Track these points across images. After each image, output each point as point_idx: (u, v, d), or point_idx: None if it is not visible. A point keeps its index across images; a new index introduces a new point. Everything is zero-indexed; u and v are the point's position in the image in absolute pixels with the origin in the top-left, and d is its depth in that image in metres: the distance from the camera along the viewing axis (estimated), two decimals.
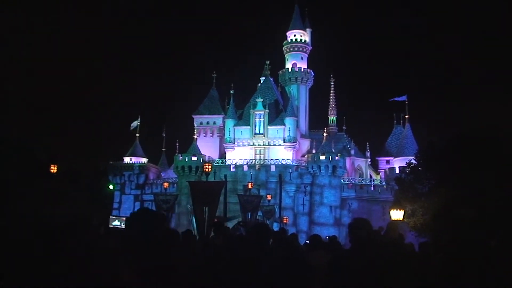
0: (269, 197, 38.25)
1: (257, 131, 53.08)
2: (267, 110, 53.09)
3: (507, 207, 24.19)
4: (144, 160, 57.53)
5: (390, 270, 4.90)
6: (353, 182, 51.41)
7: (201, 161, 49.00)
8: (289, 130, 52.20)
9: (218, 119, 58.52)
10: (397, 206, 22.92)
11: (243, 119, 54.14)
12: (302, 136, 56.23)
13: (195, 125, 58.67)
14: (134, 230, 3.44)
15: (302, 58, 59.46)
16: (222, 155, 54.79)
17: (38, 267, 3.23)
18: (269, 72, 57.98)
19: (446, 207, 25.36)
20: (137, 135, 59.20)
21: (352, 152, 56.01)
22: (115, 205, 55.01)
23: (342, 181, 50.05)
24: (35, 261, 3.30)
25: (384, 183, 51.20)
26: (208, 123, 58.96)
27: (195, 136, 55.93)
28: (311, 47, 60.60)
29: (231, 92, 54.95)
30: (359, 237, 4.72)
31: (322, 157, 48.49)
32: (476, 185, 25.78)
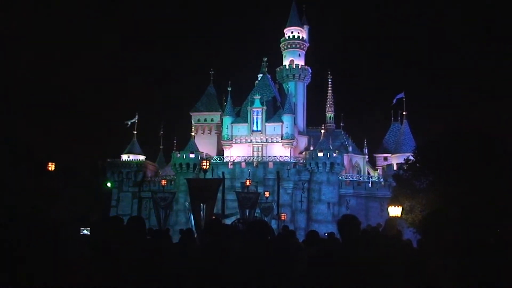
0: (267, 194, 38.19)
1: (254, 128, 53.07)
2: (264, 107, 53.08)
3: (504, 203, 24.26)
4: (141, 157, 57.44)
5: (388, 266, 4.89)
6: (350, 179, 51.46)
7: (199, 158, 49.00)
8: (287, 127, 52.20)
9: (216, 116, 58.52)
10: (395, 202, 22.95)
11: (240, 116, 54.13)
12: (300, 133, 56.25)
13: (192, 123, 58.67)
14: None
15: (299, 55, 59.42)
16: (220, 152, 54.79)
17: (34, 266, 3.20)
18: (266, 69, 58.02)
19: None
20: (135, 132, 59.16)
21: (350, 149, 56.09)
22: (113, 203, 54.94)
23: (340, 178, 50.10)
24: (31, 259, 3.27)
25: (382, 180, 51.29)
26: (205, 120, 58.97)
27: (192, 134, 55.89)
28: (308, 44, 60.55)
29: (229, 89, 54.94)
30: (348, 233, 4.71)
31: (320, 154, 48.56)
32: (473, 181, 25.81)
